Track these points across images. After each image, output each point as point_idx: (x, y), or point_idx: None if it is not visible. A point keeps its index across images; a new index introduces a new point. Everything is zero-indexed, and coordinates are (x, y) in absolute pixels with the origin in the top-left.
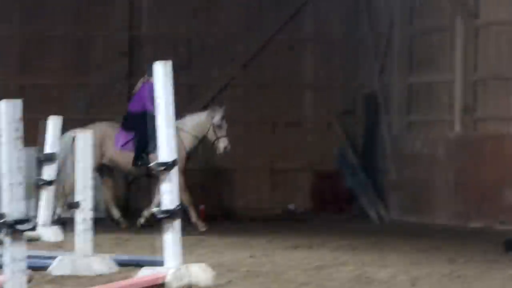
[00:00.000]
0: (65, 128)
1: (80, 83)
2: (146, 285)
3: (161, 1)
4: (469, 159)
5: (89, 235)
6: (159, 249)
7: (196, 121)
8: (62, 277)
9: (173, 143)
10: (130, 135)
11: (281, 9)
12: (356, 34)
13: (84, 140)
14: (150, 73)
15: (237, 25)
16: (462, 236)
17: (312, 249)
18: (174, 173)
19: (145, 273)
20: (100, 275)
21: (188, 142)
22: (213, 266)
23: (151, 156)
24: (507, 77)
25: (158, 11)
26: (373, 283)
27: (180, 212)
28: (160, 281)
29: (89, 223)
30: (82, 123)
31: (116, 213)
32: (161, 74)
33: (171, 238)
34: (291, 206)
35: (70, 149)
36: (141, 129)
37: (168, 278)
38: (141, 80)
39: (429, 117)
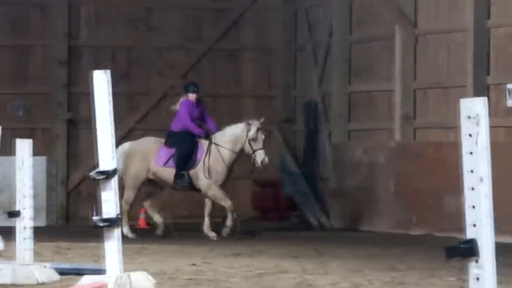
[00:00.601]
0: (4, 137)
1: (19, 92)
2: None
3: (100, 10)
4: (409, 167)
5: (30, 243)
6: (101, 258)
7: (233, 135)
8: (2, 286)
9: (113, 152)
10: (172, 152)
11: (221, 19)
12: (296, 43)
13: (23, 149)
14: (187, 90)
15: (177, 35)
16: (403, 244)
17: (253, 256)
18: (115, 181)
19: (86, 282)
20: (41, 284)
21: (227, 157)
22: (155, 275)
23: (191, 172)
24: (446, 85)
25: (97, 21)
26: None
27: (120, 221)
28: None
29: (30, 232)
30: (22, 132)
31: (157, 218)
32: (100, 83)
33: (112, 246)
34: (235, 214)
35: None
36: (181, 146)
37: (110, 287)
38: (181, 98)
39: (369, 126)
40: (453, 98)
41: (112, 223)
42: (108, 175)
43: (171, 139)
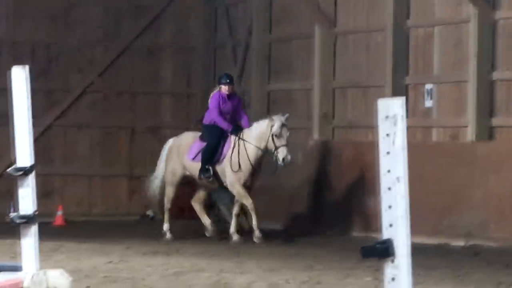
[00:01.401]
0: None
1: None
2: None
3: (19, 6)
4: (328, 165)
5: None
6: (18, 255)
7: (258, 130)
8: None
9: (31, 148)
10: (203, 146)
11: (140, 16)
12: (216, 41)
13: None
14: (219, 81)
15: (96, 32)
16: (321, 243)
17: (170, 255)
18: (32, 178)
19: (2, 278)
20: None
21: (252, 154)
22: (71, 272)
23: (218, 167)
24: (364, 85)
25: (16, 17)
26: None
27: (37, 217)
28: (18, 287)
29: None
30: None
31: (206, 220)
32: (19, 79)
33: (28, 243)
34: (150, 212)
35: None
36: (208, 140)
37: (26, 284)
38: (215, 89)
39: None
40: (371, 97)
41: (29, 220)
42: (25, 171)
43: (202, 132)
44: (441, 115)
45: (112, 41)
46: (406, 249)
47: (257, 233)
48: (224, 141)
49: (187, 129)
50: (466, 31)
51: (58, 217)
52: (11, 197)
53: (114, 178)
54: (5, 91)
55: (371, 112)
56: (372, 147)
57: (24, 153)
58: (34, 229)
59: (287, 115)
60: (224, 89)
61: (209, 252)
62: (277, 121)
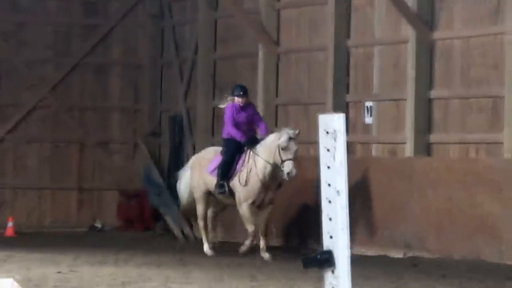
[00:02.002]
0: None
1: None
2: None
3: None
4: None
5: None
6: None
7: (266, 143)
8: None
9: None
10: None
11: (90, 35)
12: (162, 59)
13: None
14: (233, 93)
15: (47, 50)
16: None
17: (118, 265)
18: None
19: None
20: None
21: (261, 168)
22: (21, 282)
23: (231, 183)
24: (306, 102)
25: None
26: None
27: None
28: None
29: None
30: None
31: (205, 238)
32: None
33: None
34: (98, 224)
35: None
36: (224, 155)
37: None
38: (228, 101)
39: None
40: (313, 114)
41: None
42: None
43: (222, 147)
44: (380, 131)
45: (62, 58)
46: (346, 259)
47: (266, 255)
48: (240, 156)
49: (135, 144)
50: (404, 51)
51: (9, 228)
52: None
53: (63, 191)
54: None
55: (313, 128)
56: (313, 162)
57: None
58: None
59: (297, 130)
60: (238, 100)
61: (156, 262)
62: (285, 134)
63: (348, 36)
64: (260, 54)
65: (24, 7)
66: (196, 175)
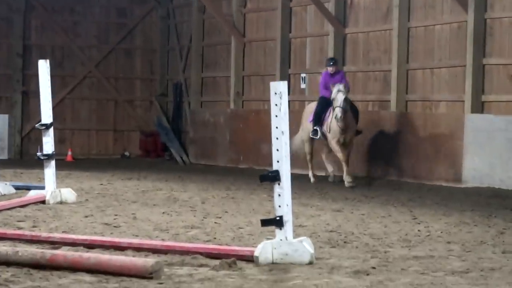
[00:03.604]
0: None
1: None
2: (33, 201)
3: (46, 19)
4: (239, 125)
5: None
6: (43, 179)
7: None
8: None
9: (50, 112)
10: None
11: (121, 29)
12: (168, 46)
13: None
14: (327, 64)
15: (93, 38)
16: (235, 173)
17: (140, 180)
18: (51, 130)
19: (32, 194)
20: (3, 195)
21: (332, 116)
22: (76, 190)
23: (323, 128)
24: (262, 74)
25: (44, 29)
26: (178, 201)
27: (54, 155)
28: (42, 199)
29: None
30: None
31: (329, 167)
32: (43, 68)
33: (49, 171)
34: (126, 153)
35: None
36: (316, 108)
37: (47, 197)
38: (323, 71)
39: (214, 98)
40: (267, 82)
41: (49, 157)
42: (47, 126)
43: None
44: (310, 93)
45: (103, 45)
46: (288, 176)
47: (347, 179)
48: (328, 109)
49: (151, 102)
50: (326, 41)
51: (68, 156)
52: (39, 143)
53: (104, 131)
54: (36, 76)
55: (267, 91)
56: (267, 113)
57: (46, 115)
58: (52, 163)
59: (342, 84)
60: (329, 69)
61: (164, 178)
62: (335, 87)
63: (290, 31)
64: (233, 43)
65: (78, 11)
66: (304, 123)
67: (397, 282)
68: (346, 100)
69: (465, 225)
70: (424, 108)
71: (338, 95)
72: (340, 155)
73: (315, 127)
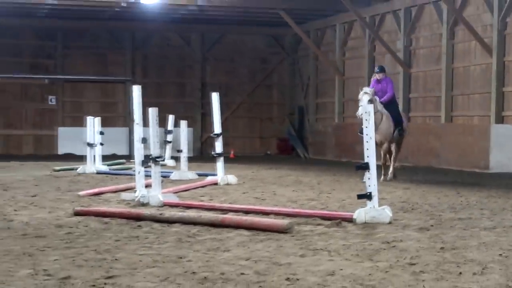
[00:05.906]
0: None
1: None
2: (209, 183)
3: (71, 41)
4: (341, 133)
5: (185, 163)
6: (215, 169)
7: None
8: (174, 180)
9: (219, 125)
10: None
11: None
12: (294, 81)
13: (182, 125)
14: (377, 70)
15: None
16: (339, 165)
17: (277, 169)
18: (220, 138)
19: (209, 179)
20: (190, 179)
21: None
22: (237, 176)
23: (405, 127)
24: (355, 99)
25: (66, 51)
26: (302, 183)
27: (222, 154)
28: (215, 182)
29: (185, 158)
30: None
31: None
32: None
33: (220, 164)
34: (268, 152)
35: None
36: (391, 110)
37: (219, 180)
38: (372, 77)
39: (324, 116)
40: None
41: (219, 155)
42: (217, 135)
43: (385, 107)
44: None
45: (252, 82)
46: (374, 166)
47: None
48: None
49: (270, 117)
50: (398, 78)
51: (231, 154)
52: (212, 146)
53: (253, 138)
54: (210, 103)
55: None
56: (359, 125)
57: (217, 127)
58: (221, 159)
59: (367, 88)
60: (377, 76)
61: (293, 168)
62: (363, 90)
63: (373, 71)
64: (336, 80)
65: (235, 60)
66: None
67: (448, 235)
68: (370, 101)
69: (492, 197)
70: (463, 120)
71: (363, 97)
72: (396, 154)
73: (399, 127)
